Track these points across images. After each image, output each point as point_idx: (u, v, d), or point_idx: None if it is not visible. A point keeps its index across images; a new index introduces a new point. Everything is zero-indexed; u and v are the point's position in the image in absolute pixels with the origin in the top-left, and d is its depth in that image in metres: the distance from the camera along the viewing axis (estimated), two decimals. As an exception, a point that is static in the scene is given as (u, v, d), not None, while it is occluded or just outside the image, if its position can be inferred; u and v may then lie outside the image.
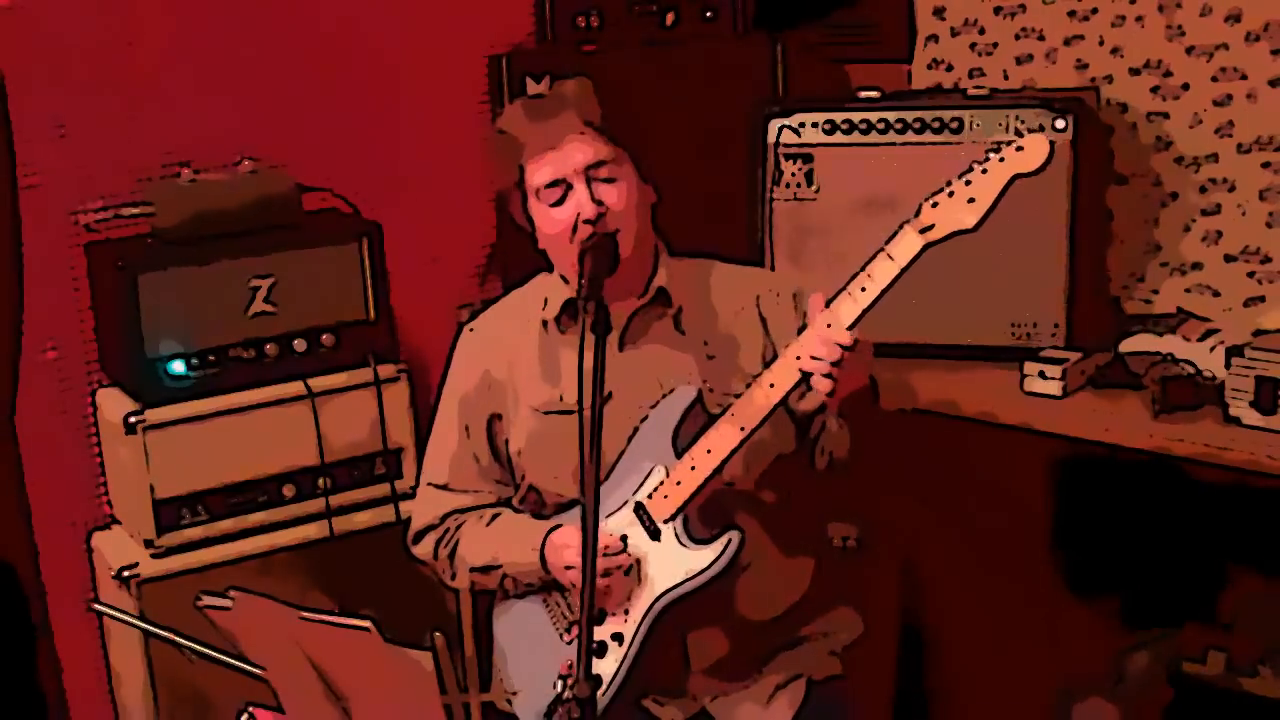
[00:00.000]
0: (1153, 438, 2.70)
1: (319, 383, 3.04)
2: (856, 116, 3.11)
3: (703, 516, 2.31)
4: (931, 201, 2.12)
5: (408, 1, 3.42)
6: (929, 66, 3.50)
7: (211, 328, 2.96)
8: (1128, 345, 2.99)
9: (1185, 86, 3.09)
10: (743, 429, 2.23)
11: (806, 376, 2.16)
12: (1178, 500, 2.73)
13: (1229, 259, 3.09)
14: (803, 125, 3.15)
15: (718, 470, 2.26)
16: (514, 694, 2.39)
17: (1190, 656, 2.86)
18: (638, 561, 2.29)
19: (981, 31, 3.40)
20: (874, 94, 3.18)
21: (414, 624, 2.04)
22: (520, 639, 2.47)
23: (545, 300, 2.45)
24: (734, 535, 2.25)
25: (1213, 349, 2.86)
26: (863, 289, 2.14)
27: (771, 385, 2.21)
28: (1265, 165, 3.01)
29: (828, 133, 3.13)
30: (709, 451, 2.25)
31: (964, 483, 2.92)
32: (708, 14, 3.32)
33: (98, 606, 2.70)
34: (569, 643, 2.36)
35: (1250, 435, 2.63)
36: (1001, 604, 2.92)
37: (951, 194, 2.10)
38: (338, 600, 2.92)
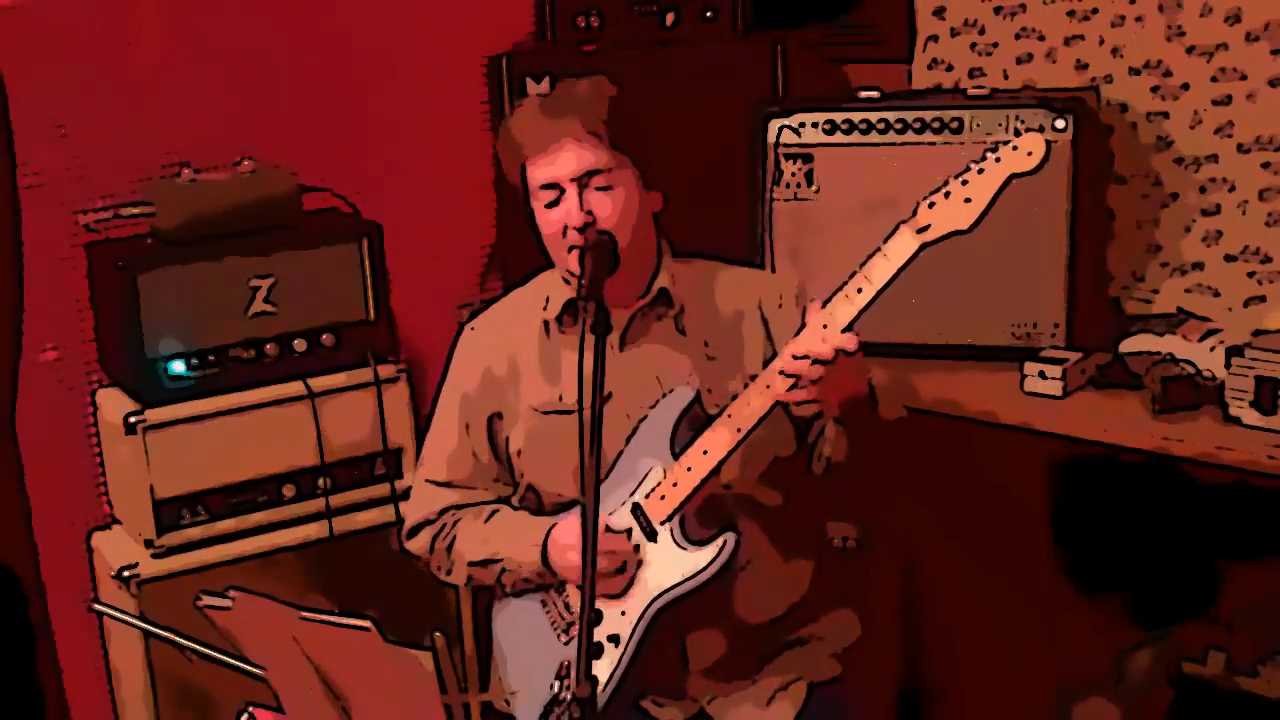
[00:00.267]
0: (1153, 438, 2.70)
1: (319, 383, 3.03)
2: (856, 116, 3.11)
3: (700, 518, 2.31)
4: (928, 202, 2.12)
5: (408, 1, 3.42)
6: (929, 66, 3.50)
7: (211, 328, 2.96)
8: (1128, 345, 2.99)
9: (1185, 86, 3.09)
10: (739, 431, 2.23)
11: (799, 378, 2.16)
12: (1178, 500, 2.73)
13: (1229, 259, 3.09)
14: (803, 125, 3.15)
15: (714, 472, 2.26)
16: (513, 694, 2.39)
17: (1190, 656, 2.86)
18: (637, 547, 2.29)
19: (981, 31, 3.40)
20: (874, 94, 3.18)
21: (414, 624, 2.05)
22: (518, 639, 2.47)
23: (546, 300, 2.45)
24: (730, 537, 2.25)
25: (1213, 349, 2.86)
26: (859, 290, 2.14)
27: (768, 387, 2.21)
28: (1265, 165, 3.01)
29: (828, 133, 3.13)
30: (705, 453, 2.25)
31: (964, 483, 2.92)
32: (708, 14, 3.32)
33: (98, 606, 2.70)
34: (566, 643, 2.36)
35: (1250, 435, 2.63)
36: (1001, 604, 2.92)
37: (948, 194, 2.10)
38: (338, 600, 2.91)
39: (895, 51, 3.52)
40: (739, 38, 3.31)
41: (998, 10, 3.36)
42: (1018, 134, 2.10)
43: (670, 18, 3.34)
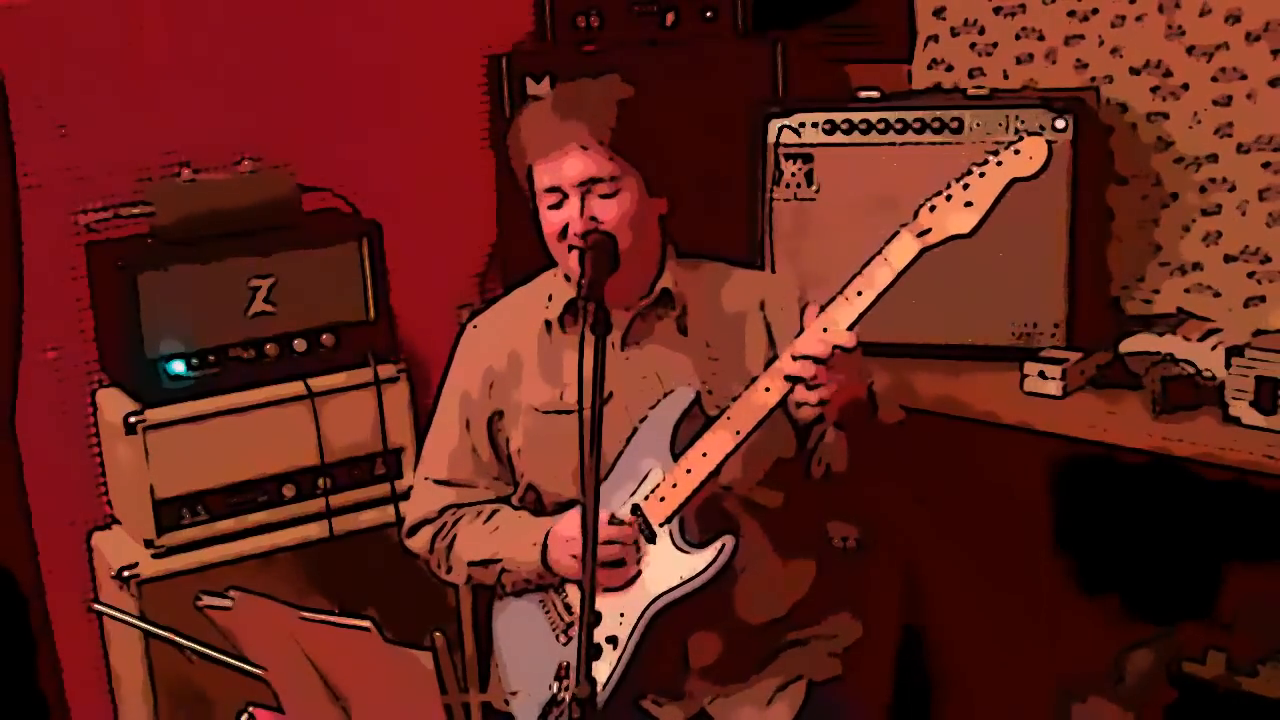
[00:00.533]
0: (1152, 438, 2.69)
1: (319, 383, 3.03)
2: (856, 116, 3.11)
3: (700, 519, 2.31)
4: (929, 205, 2.12)
5: (408, 1, 3.42)
6: (929, 66, 3.50)
7: (211, 328, 2.96)
8: (1128, 345, 2.99)
9: (1185, 86, 3.09)
10: (738, 433, 2.23)
11: (798, 381, 2.16)
12: (1178, 500, 2.73)
13: (1229, 259, 3.08)
14: (803, 125, 3.15)
15: (714, 474, 2.26)
16: (513, 694, 2.39)
17: (1190, 656, 2.87)
18: (649, 526, 2.29)
19: (981, 31, 3.40)
20: (874, 94, 3.18)
21: (414, 624, 2.05)
22: (517, 639, 2.47)
23: (549, 299, 2.45)
24: (729, 540, 2.25)
25: (1213, 349, 2.85)
26: (859, 293, 2.14)
27: (767, 389, 2.21)
28: (1265, 165, 3.01)
29: (828, 133, 3.13)
30: (705, 455, 2.25)
31: (964, 483, 2.92)
32: (708, 14, 3.32)
33: (98, 606, 2.69)
34: (565, 644, 2.36)
35: (1250, 435, 2.63)
36: (1002, 604, 2.92)
37: (949, 198, 2.10)
38: (338, 600, 2.92)
39: (895, 51, 3.52)
40: (739, 37, 3.31)
41: (998, 10, 3.36)
42: (1019, 135, 2.09)
43: (670, 18, 3.34)
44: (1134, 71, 3.16)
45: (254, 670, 2.18)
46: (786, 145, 3.16)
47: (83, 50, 3.01)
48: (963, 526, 2.96)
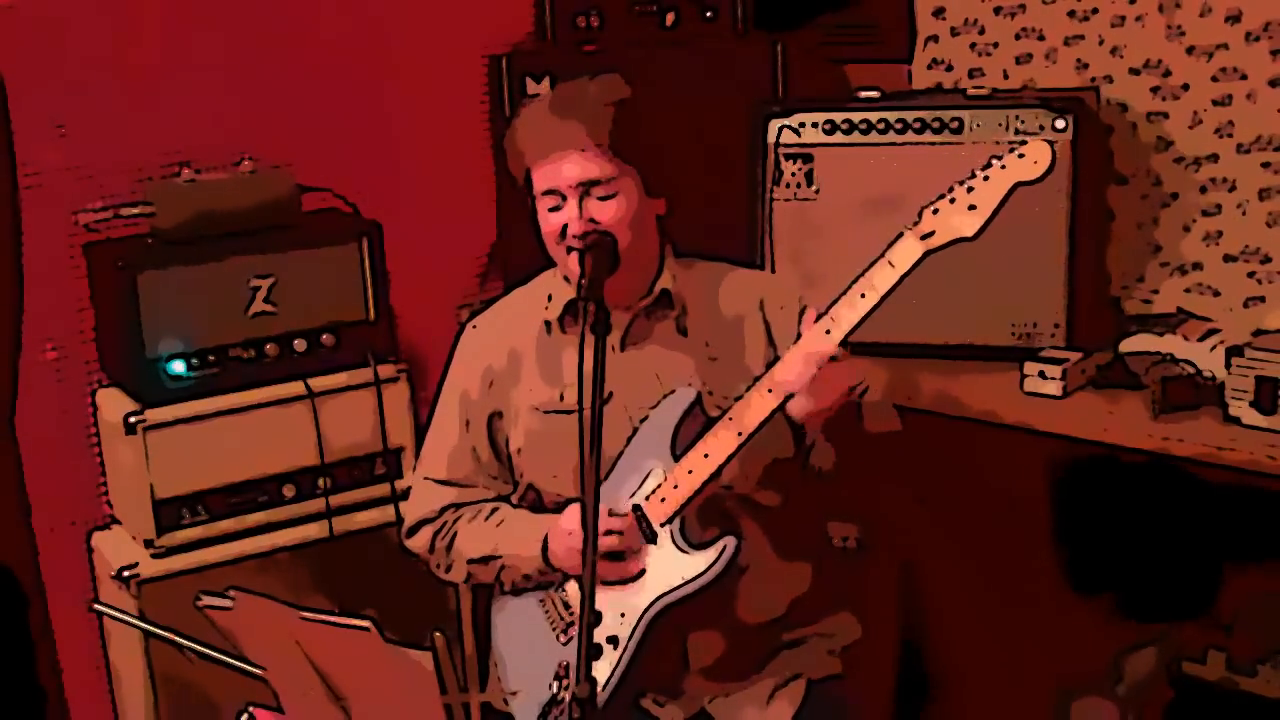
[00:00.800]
0: (1153, 438, 2.69)
1: (319, 383, 3.03)
2: (856, 116, 3.11)
3: (701, 519, 2.31)
4: (932, 208, 2.12)
5: (408, 1, 3.42)
6: (929, 66, 3.50)
7: (211, 328, 2.96)
8: (1128, 345, 2.99)
9: (1185, 86, 3.09)
10: (739, 434, 2.22)
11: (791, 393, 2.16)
12: (1178, 500, 2.73)
13: (1229, 259, 3.08)
14: (803, 125, 3.15)
15: (715, 475, 2.26)
16: (513, 694, 2.39)
17: (1190, 656, 2.87)
18: (649, 525, 2.29)
19: (981, 31, 3.40)
20: (874, 94, 3.18)
21: (414, 624, 2.05)
22: (517, 639, 2.47)
23: (548, 299, 2.45)
24: (729, 541, 2.25)
25: (1213, 349, 2.85)
26: (862, 295, 2.14)
27: (769, 391, 2.21)
28: (1265, 165, 3.00)
29: (828, 133, 3.13)
30: (706, 456, 2.25)
31: (964, 483, 2.92)
32: (708, 14, 3.32)
33: (98, 606, 2.69)
34: (565, 643, 2.36)
35: (1250, 435, 2.62)
36: (1001, 603, 2.92)
37: (953, 200, 2.10)
38: (338, 600, 2.92)
39: (895, 51, 3.52)
40: (739, 37, 3.31)
41: (998, 10, 3.36)
42: (1022, 139, 2.09)
43: (670, 18, 3.34)
44: (1134, 71, 3.16)
45: (254, 670, 2.18)
46: (786, 145, 3.16)
47: (83, 50, 3.00)
48: (963, 526, 2.96)
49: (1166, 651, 2.89)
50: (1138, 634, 2.91)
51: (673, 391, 2.34)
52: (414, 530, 2.55)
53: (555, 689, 2.30)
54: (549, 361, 2.43)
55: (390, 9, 3.40)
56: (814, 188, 3.15)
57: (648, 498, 2.30)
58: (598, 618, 2.29)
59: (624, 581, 2.29)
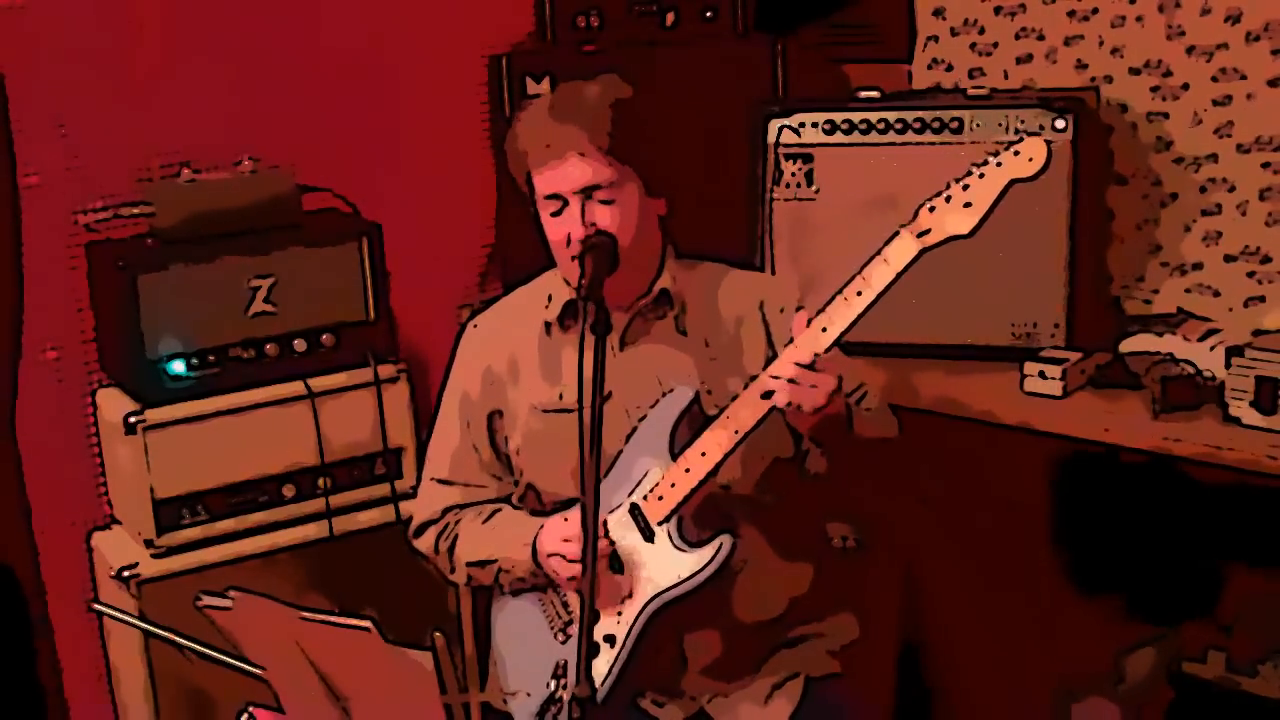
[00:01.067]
0: (1153, 438, 2.70)
1: (319, 383, 3.03)
2: (856, 116, 3.11)
3: (699, 519, 2.31)
4: (928, 206, 2.12)
5: (408, 1, 3.42)
6: (929, 66, 3.50)
7: (211, 328, 2.95)
8: (1128, 345, 2.99)
9: (1185, 86, 3.09)
10: (736, 433, 2.22)
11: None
12: (1178, 500, 2.74)
13: (1229, 259, 3.09)
14: (803, 125, 3.15)
15: (712, 474, 2.26)
16: (512, 694, 2.39)
17: (1190, 656, 2.87)
18: (615, 554, 2.29)
19: (981, 31, 3.40)
20: (874, 94, 3.18)
21: (414, 624, 2.05)
22: (515, 638, 2.48)
23: (549, 299, 2.45)
24: (726, 540, 2.25)
25: (1213, 349, 2.86)
26: (858, 293, 2.14)
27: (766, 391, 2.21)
28: (1265, 165, 3.01)
29: (828, 133, 3.13)
30: (704, 455, 2.25)
31: (964, 482, 2.92)
32: (708, 14, 3.32)
33: (98, 606, 2.70)
34: (563, 642, 2.36)
35: (1250, 435, 2.63)
36: (1001, 604, 2.92)
37: (948, 199, 2.10)
38: (338, 600, 2.91)
39: (895, 51, 3.52)
40: (739, 37, 3.31)
41: (998, 10, 3.37)
42: (1019, 136, 2.09)
43: (670, 18, 3.34)
44: (1134, 71, 3.16)
45: (254, 670, 2.18)
46: (786, 145, 3.16)
47: (83, 50, 3.00)
48: (963, 526, 2.96)
49: (1166, 651, 2.89)
50: (1138, 634, 2.91)
51: (671, 391, 2.34)
52: (419, 531, 2.55)
53: (553, 687, 2.30)
54: (549, 361, 2.43)
55: (390, 9, 3.40)
56: (814, 188, 3.15)
57: (645, 496, 2.30)
58: (595, 617, 2.29)
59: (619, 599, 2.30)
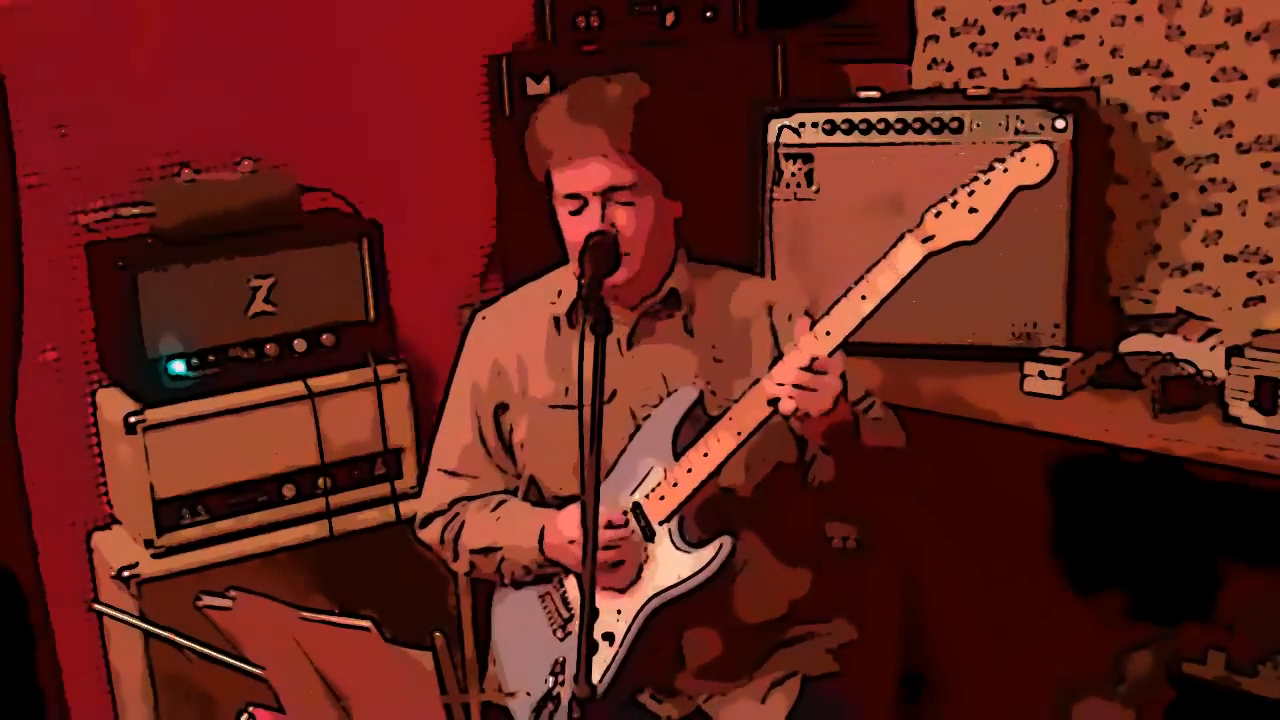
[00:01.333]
0: (1153, 438, 2.70)
1: (319, 383, 3.03)
2: (856, 116, 3.11)
3: (700, 520, 2.31)
4: (934, 211, 2.12)
5: (408, 2, 3.42)
6: (929, 66, 3.50)
7: (211, 328, 2.95)
8: (1128, 345, 2.99)
9: (1185, 86, 3.09)
10: (740, 434, 2.23)
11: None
12: (1178, 500, 2.74)
13: (1229, 259, 3.08)
14: (803, 125, 3.15)
15: (714, 474, 2.26)
16: (511, 694, 2.39)
17: (1190, 656, 2.87)
18: (649, 525, 2.29)
19: (981, 31, 3.40)
20: (874, 94, 3.18)
21: (414, 624, 2.05)
22: (515, 634, 2.48)
23: (558, 294, 2.45)
24: (726, 541, 2.25)
25: (1213, 349, 2.86)
26: (863, 297, 2.14)
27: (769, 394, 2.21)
28: (1265, 165, 3.01)
29: (828, 133, 3.13)
30: (706, 455, 2.25)
31: (964, 482, 2.92)
32: (708, 14, 3.32)
33: (98, 606, 2.70)
34: (562, 639, 2.36)
35: (1250, 435, 2.63)
36: (1001, 604, 2.92)
37: (954, 204, 2.10)
38: (338, 600, 2.91)
39: (895, 51, 3.52)
40: (739, 37, 3.31)
41: (998, 10, 3.36)
42: (1019, 134, 2.10)
43: (670, 18, 3.34)
44: (1134, 71, 3.16)
45: (254, 670, 2.18)
46: (786, 145, 3.16)
47: (83, 50, 3.00)
48: (963, 526, 2.96)
49: (1166, 651, 2.89)
50: (1138, 634, 2.91)
51: (676, 390, 2.34)
52: (426, 522, 2.55)
53: (551, 684, 2.31)
54: (556, 356, 2.43)
55: (390, 9, 3.40)
56: (814, 188, 3.15)
57: (647, 495, 2.30)
58: (595, 614, 2.29)
59: (619, 589, 2.29)
